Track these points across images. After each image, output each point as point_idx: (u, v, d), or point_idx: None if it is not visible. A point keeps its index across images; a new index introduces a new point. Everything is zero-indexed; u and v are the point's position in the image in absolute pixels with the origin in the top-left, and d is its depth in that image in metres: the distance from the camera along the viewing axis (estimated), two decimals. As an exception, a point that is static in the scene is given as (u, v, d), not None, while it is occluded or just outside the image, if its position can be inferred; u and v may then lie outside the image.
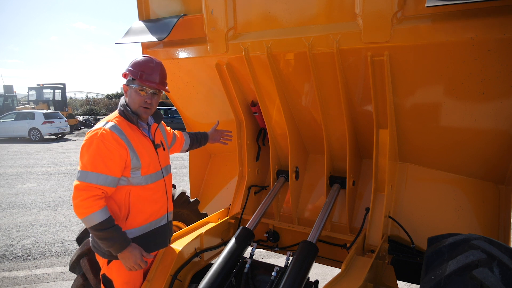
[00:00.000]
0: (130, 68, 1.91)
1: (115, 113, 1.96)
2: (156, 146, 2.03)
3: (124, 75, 1.94)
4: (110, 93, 38.01)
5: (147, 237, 1.97)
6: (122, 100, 1.97)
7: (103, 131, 1.79)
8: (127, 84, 1.92)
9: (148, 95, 1.91)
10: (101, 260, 1.99)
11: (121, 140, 1.81)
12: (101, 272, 2.02)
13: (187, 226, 2.61)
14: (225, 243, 2.54)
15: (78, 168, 1.77)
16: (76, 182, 1.74)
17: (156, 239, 2.04)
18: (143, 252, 1.89)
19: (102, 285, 2.03)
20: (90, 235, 2.01)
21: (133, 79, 1.90)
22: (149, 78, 1.90)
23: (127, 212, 1.90)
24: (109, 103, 35.13)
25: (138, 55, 2.06)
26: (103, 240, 1.78)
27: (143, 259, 1.88)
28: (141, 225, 1.94)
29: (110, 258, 1.91)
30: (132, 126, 1.92)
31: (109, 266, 1.96)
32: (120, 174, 1.84)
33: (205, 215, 3.11)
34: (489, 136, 2.09)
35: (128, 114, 1.90)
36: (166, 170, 2.10)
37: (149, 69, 1.91)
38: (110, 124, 1.84)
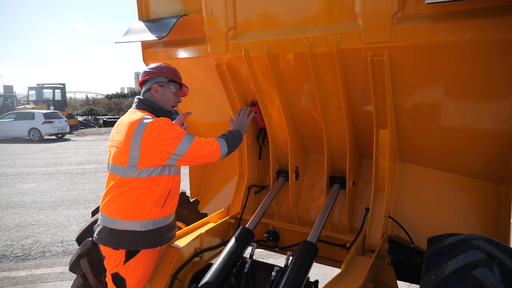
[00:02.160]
0: (164, 70, 2.09)
1: (136, 111, 2.01)
2: None
3: (150, 75, 2.07)
4: (110, 93, 37.99)
5: (168, 227, 2.08)
6: (147, 99, 2.06)
7: (160, 119, 1.93)
8: (160, 85, 2.05)
9: (179, 96, 2.17)
10: (115, 259, 1.99)
11: None
12: (112, 271, 2.01)
13: (187, 226, 2.61)
14: (225, 243, 2.54)
15: (178, 142, 1.88)
16: (192, 144, 1.92)
17: (173, 230, 2.16)
18: (241, 111, 2.44)
19: (112, 284, 2.03)
20: (97, 233, 2.01)
21: (170, 81, 2.09)
22: (181, 81, 2.18)
23: (164, 201, 2.01)
24: (109, 103, 35.11)
25: (138, 54, 2.13)
26: (236, 143, 2.19)
27: (245, 112, 2.44)
28: (169, 214, 2.08)
29: (137, 248, 1.96)
30: None
31: (125, 266, 1.98)
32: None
33: (205, 215, 3.11)
34: (489, 136, 2.09)
35: (162, 111, 2.06)
36: None
37: (178, 73, 2.18)
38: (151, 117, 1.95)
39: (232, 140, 2.16)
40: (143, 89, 2.09)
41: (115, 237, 1.94)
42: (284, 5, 2.15)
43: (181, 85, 2.21)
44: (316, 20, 2.08)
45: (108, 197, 1.97)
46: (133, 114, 1.98)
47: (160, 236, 2.02)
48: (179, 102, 2.18)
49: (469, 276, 1.40)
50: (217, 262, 2.16)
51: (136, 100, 2.09)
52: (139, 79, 2.14)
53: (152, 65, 2.12)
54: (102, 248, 2.04)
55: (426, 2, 1.60)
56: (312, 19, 2.09)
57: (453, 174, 2.37)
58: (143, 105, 2.04)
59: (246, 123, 2.40)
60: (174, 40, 2.67)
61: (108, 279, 2.05)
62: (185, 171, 2.69)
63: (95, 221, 2.43)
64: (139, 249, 1.97)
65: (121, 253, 1.98)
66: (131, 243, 1.94)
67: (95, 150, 15.01)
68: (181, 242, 2.25)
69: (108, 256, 2.03)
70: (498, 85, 1.82)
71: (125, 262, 1.97)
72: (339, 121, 2.42)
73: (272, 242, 2.83)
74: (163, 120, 1.93)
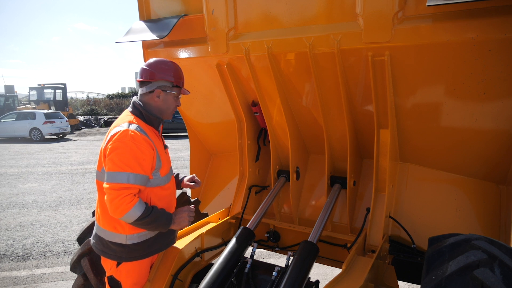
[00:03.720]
0: (169, 73, 1.91)
1: (128, 114, 1.91)
2: (165, 147, 2.07)
3: (152, 77, 1.89)
4: (111, 93, 38.04)
5: (157, 238, 1.99)
6: (141, 102, 1.92)
7: (132, 133, 1.76)
8: (164, 90, 1.90)
9: (179, 100, 2.01)
10: (108, 263, 1.98)
11: (149, 141, 1.83)
12: (108, 274, 2.01)
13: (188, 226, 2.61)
14: (225, 243, 2.54)
15: (108, 169, 1.74)
16: (109, 184, 1.72)
17: (169, 236, 2.08)
18: (187, 208, 2.00)
19: (108, 287, 2.02)
20: (92, 236, 2.01)
21: (174, 86, 1.93)
22: (184, 84, 2.00)
23: None
24: (109, 103, 35.13)
25: (138, 54, 2.08)
26: (150, 225, 1.83)
27: (191, 211, 2.00)
28: None
29: (120, 260, 1.91)
30: (150, 127, 1.92)
31: (118, 269, 1.95)
32: (150, 173, 1.85)
33: (206, 215, 3.11)
34: (490, 136, 2.08)
35: (151, 117, 1.92)
36: (172, 169, 2.14)
37: (182, 74, 1.99)
38: (134, 125, 1.81)
39: (153, 218, 1.80)
40: (144, 90, 1.91)
41: (102, 246, 1.94)
42: (285, 5, 2.15)
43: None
44: (317, 20, 2.08)
45: (97, 203, 1.96)
46: (119, 119, 1.92)
47: (148, 248, 1.95)
48: (178, 106, 2.04)
49: (470, 276, 1.40)
50: (218, 262, 2.16)
51: (132, 100, 2.00)
52: (140, 77, 1.94)
53: (156, 63, 1.92)
54: None
55: (427, 4, 1.60)
56: (313, 19, 2.09)
57: (454, 174, 2.37)
58: (133, 108, 1.93)
59: (184, 224, 2.00)
60: (174, 40, 2.68)
61: (106, 281, 2.05)
62: (185, 171, 2.69)
63: (96, 221, 2.44)
64: (124, 262, 1.92)
65: None
66: (115, 255, 1.91)
67: (96, 150, 15.02)
68: (181, 242, 2.25)
69: (102, 258, 2.03)
70: (499, 85, 1.82)
71: (117, 265, 1.95)
72: (340, 121, 2.42)
73: (273, 242, 2.83)
74: (119, 140, 1.75)
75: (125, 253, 1.89)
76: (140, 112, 1.91)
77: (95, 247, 1.98)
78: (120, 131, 1.78)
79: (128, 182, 1.72)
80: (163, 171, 1.94)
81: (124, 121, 1.84)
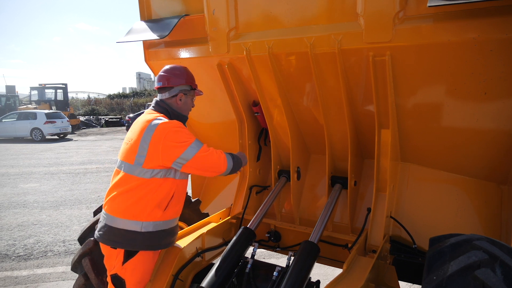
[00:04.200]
0: (186, 79, 2.15)
1: (154, 113, 2.07)
2: None
3: (173, 83, 2.11)
4: (111, 93, 38.05)
5: (170, 232, 2.07)
6: (164, 102, 2.12)
7: (173, 122, 2.00)
8: (185, 93, 2.14)
9: (193, 101, 2.27)
10: (113, 260, 1.99)
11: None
12: (112, 272, 2.02)
13: (189, 226, 2.62)
14: (226, 243, 2.54)
15: (184, 150, 1.91)
16: (199, 153, 1.94)
17: (174, 235, 2.15)
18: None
19: (111, 285, 2.03)
20: (98, 229, 2.02)
21: (192, 89, 2.20)
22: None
23: (167, 204, 2.00)
24: (110, 103, 35.14)
25: (139, 55, 2.13)
26: (239, 163, 2.21)
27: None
28: (171, 218, 2.06)
29: (133, 248, 1.95)
30: None
31: (123, 266, 1.97)
32: None
33: (207, 215, 3.11)
34: (491, 136, 2.08)
35: (178, 116, 2.13)
36: None
37: (194, 77, 2.25)
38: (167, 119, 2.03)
39: (237, 160, 2.20)
40: (166, 95, 2.11)
41: (114, 236, 1.95)
42: (286, 5, 2.15)
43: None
44: (318, 20, 2.08)
45: (111, 195, 1.98)
46: (148, 115, 2.05)
47: (159, 239, 2.01)
48: (193, 106, 2.26)
49: (471, 277, 1.40)
50: (219, 262, 2.16)
51: (153, 101, 2.17)
52: (161, 83, 2.12)
53: (174, 70, 2.14)
54: (102, 246, 2.04)
55: (428, 4, 1.59)
56: (314, 19, 2.09)
57: (455, 174, 2.37)
58: (159, 107, 2.11)
59: (245, 160, 2.38)
60: (175, 40, 2.68)
61: (109, 280, 2.06)
62: (186, 171, 2.69)
63: (97, 221, 2.44)
64: (136, 250, 1.97)
65: (119, 253, 1.98)
66: (129, 243, 1.94)
67: (97, 150, 15.04)
68: (182, 242, 2.25)
69: (107, 255, 2.03)
70: (500, 85, 1.82)
71: (123, 262, 1.97)
72: (340, 121, 2.41)
73: (274, 242, 2.83)
74: (175, 122, 1.98)
75: (139, 240, 1.93)
76: (166, 111, 2.10)
77: (105, 238, 1.97)
78: (160, 122, 1.94)
79: (202, 144, 1.99)
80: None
81: (156, 117, 2.00)
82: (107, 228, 1.96)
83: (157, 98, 2.16)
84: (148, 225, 1.95)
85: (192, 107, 2.25)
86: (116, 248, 1.97)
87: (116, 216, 1.94)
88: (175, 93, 2.11)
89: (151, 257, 2.06)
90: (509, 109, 1.90)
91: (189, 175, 2.11)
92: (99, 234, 2.00)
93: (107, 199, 2.00)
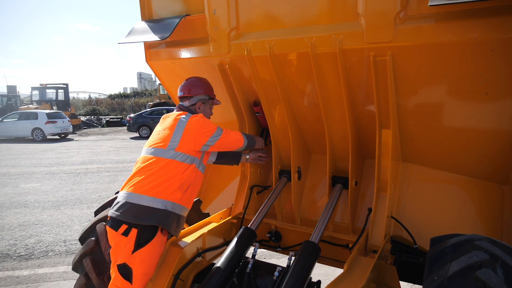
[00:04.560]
0: (205, 89, 2.48)
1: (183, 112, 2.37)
2: None
3: (193, 93, 2.44)
4: (112, 93, 38.08)
5: (179, 219, 2.18)
6: (188, 108, 2.44)
7: (198, 115, 2.32)
8: (203, 102, 2.46)
9: (211, 110, 2.58)
10: (123, 248, 2.02)
11: None
12: (119, 262, 2.04)
13: (190, 226, 2.62)
14: (227, 243, 2.54)
15: (211, 134, 2.27)
16: (224, 134, 2.34)
17: (180, 226, 2.25)
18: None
19: (118, 275, 2.05)
20: (116, 208, 2.06)
21: (210, 98, 2.51)
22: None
23: (186, 189, 2.18)
24: (111, 103, 35.18)
25: (140, 55, 2.16)
26: (253, 142, 2.63)
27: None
28: (185, 205, 2.22)
29: (155, 222, 2.05)
30: None
31: (133, 255, 2.02)
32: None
33: (207, 215, 3.11)
34: (492, 136, 2.08)
35: None
36: None
37: (212, 87, 2.56)
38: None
39: (251, 138, 2.60)
40: (187, 103, 2.44)
41: (136, 212, 2.02)
42: (287, 5, 2.15)
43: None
44: (319, 20, 2.08)
45: (136, 178, 2.11)
46: (177, 113, 2.36)
47: (173, 222, 2.12)
48: (211, 114, 2.55)
49: (473, 277, 1.40)
50: (219, 262, 2.16)
51: (178, 107, 2.48)
52: (182, 93, 2.45)
53: (195, 82, 2.47)
54: (110, 235, 2.07)
55: (429, 4, 1.59)
56: (315, 19, 2.09)
57: (456, 175, 2.36)
58: (186, 109, 2.42)
59: (261, 142, 2.80)
60: (176, 40, 2.68)
61: (114, 271, 2.06)
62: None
63: (98, 221, 2.44)
64: (155, 225, 2.05)
65: (129, 241, 2.01)
66: (151, 218, 2.04)
67: (98, 150, 15.06)
68: (183, 242, 2.25)
69: (115, 244, 2.05)
70: (501, 85, 1.81)
71: (133, 251, 2.01)
72: (341, 121, 2.41)
73: (274, 242, 2.83)
74: (201, 115, 2.34)
75: (161, 216, 2.06)
76: (191, 112, 2.39)
77: (126, 215, 2.03)
78: (191, 115, 2.29)
79: (223, 129, 2.36)
80: (205, 159, 2.39)
81: (186, 113, 2.33)
82: (129, 206, 2.03)
83: (180, 104, 2.48)
84: (168, 204, 2.09)
85: (211, 115, 2.54)
86: (133, 227, 2.01)
87: (142, 194, 2.06)
88: (194, 102, 2.43)
89: (158, 249, 2.11)
90: (511, 109, 1.89)
91: (204, 170, 2.39)
92: (118, 212, 2.04)
93: (131, 182, 2.12)
